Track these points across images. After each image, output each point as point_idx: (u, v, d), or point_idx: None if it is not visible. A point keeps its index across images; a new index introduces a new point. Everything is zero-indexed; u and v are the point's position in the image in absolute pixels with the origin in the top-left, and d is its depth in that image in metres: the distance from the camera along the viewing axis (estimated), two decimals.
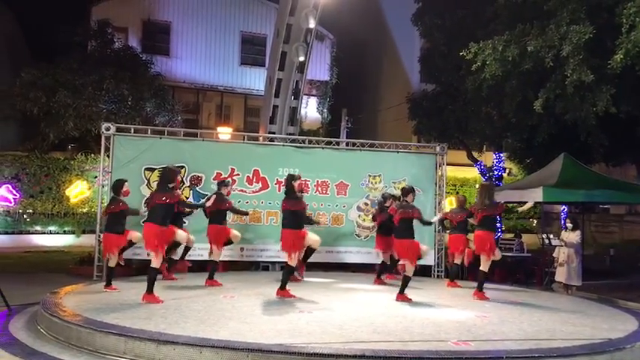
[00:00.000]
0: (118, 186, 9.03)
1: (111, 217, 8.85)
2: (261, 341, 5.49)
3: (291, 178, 8.65)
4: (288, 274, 8.66)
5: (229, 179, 11.48)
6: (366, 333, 6.14)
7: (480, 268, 9.02)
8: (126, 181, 9.12)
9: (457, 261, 10.60)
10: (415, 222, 8.69)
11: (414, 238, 8.59)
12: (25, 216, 18.31)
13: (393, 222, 8.80)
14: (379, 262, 10.96)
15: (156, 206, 7.76)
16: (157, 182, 8.74)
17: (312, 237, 8.88)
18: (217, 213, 9.56)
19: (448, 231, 11.14)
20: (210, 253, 9.67)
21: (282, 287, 8.42)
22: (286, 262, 8.55)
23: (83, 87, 17.67)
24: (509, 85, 12.40)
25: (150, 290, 7.68)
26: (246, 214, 10.93)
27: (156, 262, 7.73)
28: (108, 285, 8.89)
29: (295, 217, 8.52)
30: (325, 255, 12.25)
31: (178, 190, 8.57)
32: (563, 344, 5.85)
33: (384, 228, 10.33)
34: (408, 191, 8.85)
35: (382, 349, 5.38)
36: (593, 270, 13.44)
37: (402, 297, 8.51)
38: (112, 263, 8.90)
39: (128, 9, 23.88)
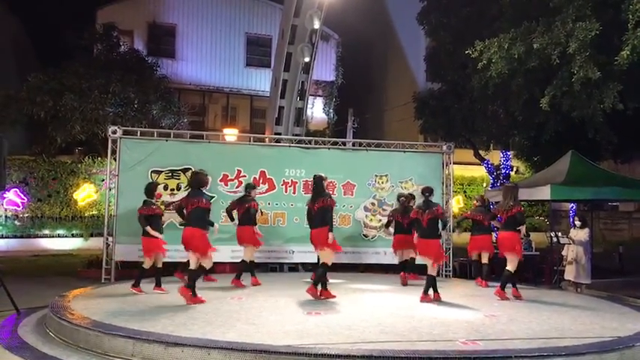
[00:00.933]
0: (150, 189, 9.21)
1: (143, 220, 8.88)
2: (269, 342, 5.49)
3: (321, 178, 8.71)
4: (325, 273, 8.64)
5: (239, 178, 11.62)
6: (374, 333, 6.12)
7: (507, 267, 8.95)
8: (159, 184, 9.27)
9: (484, 260, 10.68)
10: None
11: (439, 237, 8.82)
12: (33, 220, 18.37)
13: (419, 222, 8.84)
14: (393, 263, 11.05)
15: (194, 210, 7.89)
16: (187, 187, 9.24)
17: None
18: (247, 215, 9.86)
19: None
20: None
21: (325, 287, 8.52)
22: (323, 262, 8.53)
23: (90, 90, 17.75)
24: (515, 82, 12.34)
25: (194, 292, 7.83)
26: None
27: (207, 263, 7.96)
28: (136, 286, 8.92)
29: (329, 215, 8.60)
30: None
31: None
32: (572, 343, 5.81)
33: (402, 228, 10.50)
34: (431, 190, 9.08)
35: (390, 350, 5.36)
36: (603, 268, 13.36)
37: (426, 298, 8.49)
38: (146, 265, 9.00)
39: (133, 12, 23.97)
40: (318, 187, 8.68)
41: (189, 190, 8.36)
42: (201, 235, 7.87)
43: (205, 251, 7.88)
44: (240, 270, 9.90)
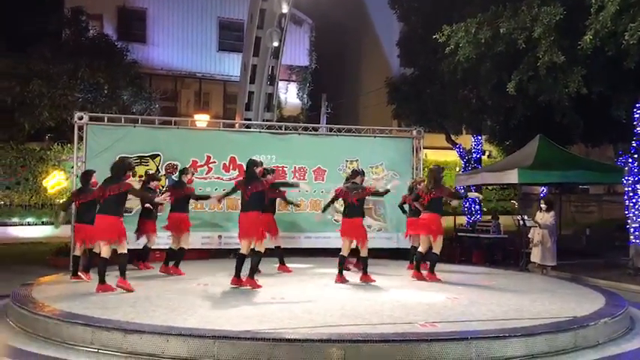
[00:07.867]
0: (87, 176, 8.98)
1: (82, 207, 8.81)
2: (228, 328, 5.50)
3: (254, 163, 8.29)
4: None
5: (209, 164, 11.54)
6: (335, 317, 6.16)
7: (434, 250, 9.04)
8: (94, 172, 9.05)
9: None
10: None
11: None
12: (1, 208, 18.07)
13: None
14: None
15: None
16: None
17: None
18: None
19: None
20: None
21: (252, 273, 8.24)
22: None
23: (58, 76, 17.38)
24: (483, 67, 12.43)
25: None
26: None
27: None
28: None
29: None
30: (303, 241, 12.33)
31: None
32: (530, 323, 5.91)
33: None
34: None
35: (349, 333, 5.40)
36: (570, 250, 13.60)
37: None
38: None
39: None
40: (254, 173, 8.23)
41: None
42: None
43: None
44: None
